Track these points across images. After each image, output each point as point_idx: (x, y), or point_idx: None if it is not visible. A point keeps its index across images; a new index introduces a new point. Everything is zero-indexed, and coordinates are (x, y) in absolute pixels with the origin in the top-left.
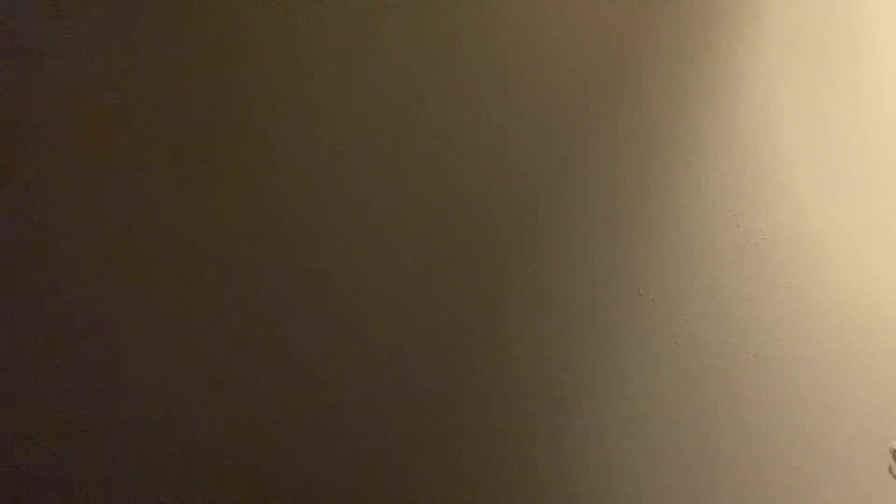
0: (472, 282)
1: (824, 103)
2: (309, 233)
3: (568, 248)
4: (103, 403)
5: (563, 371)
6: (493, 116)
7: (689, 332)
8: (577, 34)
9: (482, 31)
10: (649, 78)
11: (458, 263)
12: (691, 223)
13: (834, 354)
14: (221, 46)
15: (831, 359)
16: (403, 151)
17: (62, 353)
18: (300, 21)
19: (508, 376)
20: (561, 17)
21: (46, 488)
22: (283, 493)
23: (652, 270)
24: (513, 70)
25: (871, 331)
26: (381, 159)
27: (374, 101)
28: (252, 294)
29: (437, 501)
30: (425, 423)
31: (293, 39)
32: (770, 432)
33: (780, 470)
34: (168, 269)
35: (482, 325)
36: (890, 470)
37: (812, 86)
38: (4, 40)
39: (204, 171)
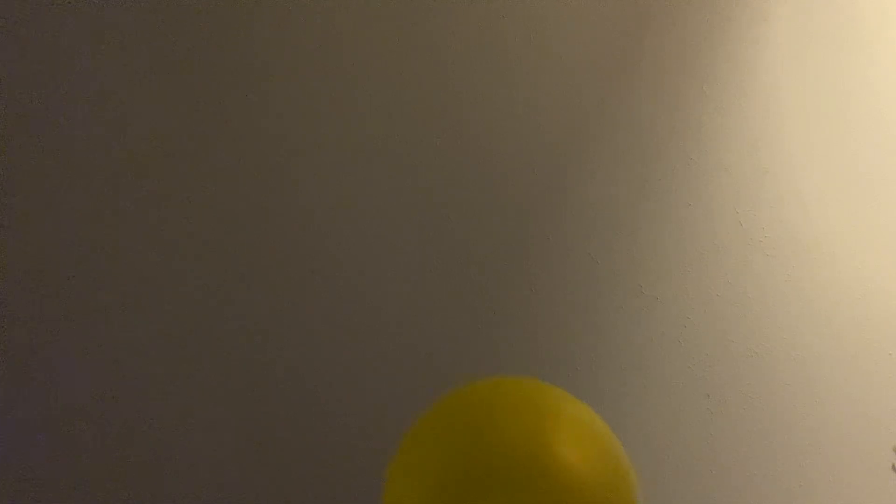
0: (472, 280)
1: (829, 101)
2: (310, 232)
3: (569, 245)
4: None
5: (565, 370)
6: (495, 113)
7: (692, 331)
8: (578, 28)
9: (483, 25)
10: (652, 74)
11: (458, 261)
12: (694, 221)
13: (837, 353)
14: (227, 40)
15: (834, 357)
16: (405, 148)
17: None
18: (303, 19)
19: (510, 375)
20: (562, 10)
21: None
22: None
23: (655, 268)
24: (515, 65)
25: (875, 329)
26: (386, 157)
27: (376, 99)
28: (253, 293)
29: None
30: None
31: (298, 35)
32: (773, 430)
33: (782, 468)
34: (169, 269)
35: (483, 322)
36: (893, 468)
37: (817, 83)
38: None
39: (209, 170)
